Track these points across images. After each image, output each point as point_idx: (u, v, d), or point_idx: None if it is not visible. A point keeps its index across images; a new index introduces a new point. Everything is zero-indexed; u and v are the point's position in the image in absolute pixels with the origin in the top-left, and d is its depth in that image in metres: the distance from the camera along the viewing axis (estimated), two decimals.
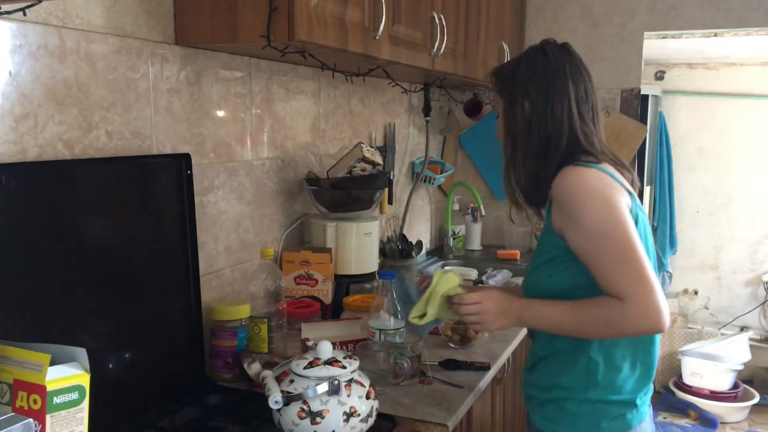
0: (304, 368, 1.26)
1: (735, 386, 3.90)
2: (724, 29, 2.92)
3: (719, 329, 4.35)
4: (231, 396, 1.50)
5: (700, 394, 3.87)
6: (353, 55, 1.65)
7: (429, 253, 3.09)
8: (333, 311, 1.91)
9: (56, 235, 1.21)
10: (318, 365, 1.26)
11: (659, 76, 4.41)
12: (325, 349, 1.30)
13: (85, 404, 0.90)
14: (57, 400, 0.87)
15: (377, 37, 1.68)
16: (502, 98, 1.41)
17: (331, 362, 1.27)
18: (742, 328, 4.28)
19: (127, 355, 1.37)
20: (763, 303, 4.30)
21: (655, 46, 3.35)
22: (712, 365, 3.85)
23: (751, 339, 4.09)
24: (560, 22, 3.09)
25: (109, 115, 1.36)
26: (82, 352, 0.89)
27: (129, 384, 1.36)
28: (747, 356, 3.93)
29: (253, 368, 1.54)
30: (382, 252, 2.41)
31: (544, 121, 1.34)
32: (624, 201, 1.27)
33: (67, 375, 0.88)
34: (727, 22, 2.86)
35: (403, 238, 2.48)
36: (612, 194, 1.26)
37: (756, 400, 3.86)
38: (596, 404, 1.34)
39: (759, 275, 4.31)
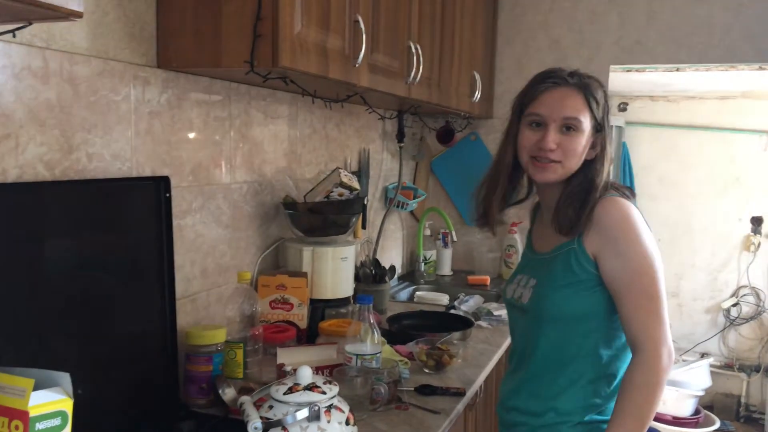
0: (284, 394, 1.26)
1: (696, 412, 3.97)
2: (685, 64, 3.04)
3: (681, 356, 4.44)
4: (205, 422, 1.48)
5: (662, 420, 3.93)
6: (333, 81, 1.67)
7: (401, 278, 3.10)
8: (308, 336, 1.91)
9: (35, 257, 1.19)
10: (298, 391, 1.26)
11: (622, 107, 4.54)
12: (305, 375, 1.30)
13: (68, 430, 0.89)
14: (39, 426, 0.85)
15: (357, 65, 1.71)
16: (592, 117, 1.36)
17: (310, 388, 1.27)
18: (703, 355, 4.38)
19: (100, 380, 1.34)
20: (723, 330, 4.42)
21: (620, 79, 3.46)
22: (674, 391, 3.92)
23: (711, 365, 4.19)
24: (529, 54, 3.18)
25: (90, 137, 1.35)
26: (65, 377, 0.88)
27: (102, 409, 1.33)
28: (707, 382, 4.02)
29: (228, 394, 1.53)
30: (356, 277, 2.41)
31: (608, 149, 1.40)
32: (655, 241, 1.35)
33: (50, 400, 0.87)
34: (689, 57, 2.98)
35: (376, 262, 2.49)
36: (650, 233, 1.34)
37: (717, 425, 3.94)
38: (590, 425, 1.37)
39: (718, 302, 4.43)
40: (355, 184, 1.96)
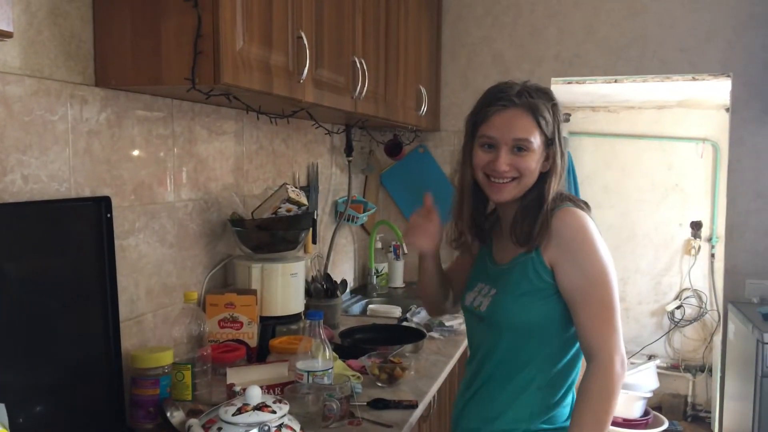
0: (233, 415, 1.24)
1: (645, 413, 4.07)
2: (623, 76, 3.14)
3: (629, 359, 4.53)
4: None
5: (613, 423, 3.98)
6: (278, 97, 1.67)
7: (353, 292, 3.09)
8: (259, 354, 1.88)
9: None
10: (247, 411, 1.25)
11: (566, 118, 4.66)
12: (254, 395, 1.28)
13: None
14: None
15: (301, 81, 1.71)
16: (541, 134, 1.38)
17: (260, 407, 1.26)
18: (650, 357, 4.49)
19: (41, 407, 1.30)
20: (668, 332, 4.55)
21: (562, 90, 3.55)
22: (623, 394, 4.01)
23: (658, 367, 4.31)
24: (474, 67, 3.23)
25: (26, 158, 1.31)
26: (0, 408, 0.84)
27: None
28: (655, 384, 4.12)
29: (177, 417, 1.50)
30: (307, 292, 2.40)
31: (563, 162, 1.41)
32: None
33: None
34: (626, 69, 3.08)
35: (327, 277, 2.48)
36: (604, 244, 1.36)
37: (665, 426, 4.05)
38: None
39: (663, 305, 4.56)
40: (303, 200, 1.95)
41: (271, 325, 1.93)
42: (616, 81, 3.26)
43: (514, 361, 1.41)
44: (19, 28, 1.27)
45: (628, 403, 4.01)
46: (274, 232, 1.91)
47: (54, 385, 1.34)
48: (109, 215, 1.48)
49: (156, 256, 1.71)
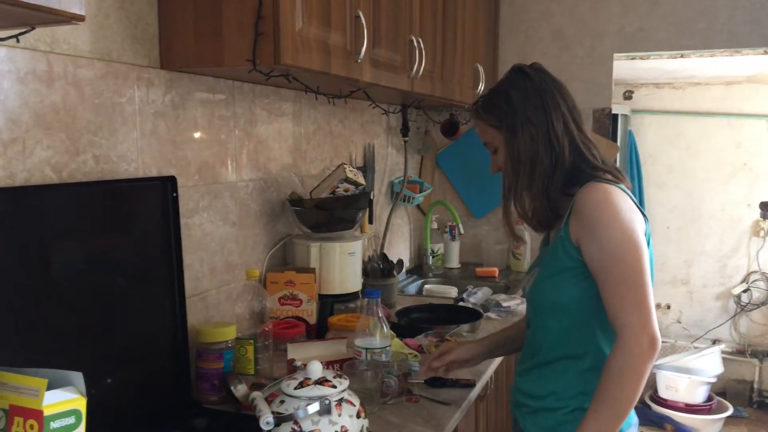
0: (295, 388, 1.27)
1: (709, 399, 3.97)
2: (689, 51, 3.02)
3: (692, 343, 4.44)
4: (218, 419, 1.49)
5: (675, 407, 3.93)
6: (336, 78, 1.68)
7: (409, 272, 3.11)
8: (318, 331, 1.92)
9: (43, 259, 1.21)
10: (308, 385, 1.27)
11: (628, 95, 4.52)
12: (316, 369, 1.31)
13: (82, 428, 0.90)
14: (54, 425, 0.86)
15: (359, 61, 1.71)
16: (500, 130, 1.41)
17: (321, 382, 1.28)
18: (714, 341, 4.37)
19: (111, 380, 1.36)
20: (734, 316, 4.40)
21: (624, 67, 3.45)
22: (686, 378, 3.92)
23: (723, 352, 4.18)
24: (532, 44, 3.17)
25: (96, 139, 1.36)
26: (78, 377, 0.89)
27: (114, 408, 1.35)
28: (719, 369, 4.01)
29: (240, 390, 1.54)
30: (364, 271, 2.42)
31: (549, 141, 1.36)
32: (640, 226, 1.31)
33: (64, 399, 0.88)
34: (693, 44, 2.96)
35: (383, 257, 2.50)
36: (633, 218, 1.29)
37: (730, 412, 3.94)
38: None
39: (728, 288, 4.41)
40: (361, 180, 1.97)
41: (329, 303, 1.96)
42: (682, 56, 3.14)
43: (561, 341, 1.39)
44: (88, 13, 1.32)
45: (691, 388, 3.91)
46: (332, 212, 1.93)
47: (124, 359, 1.40)
48: (175, 194, 1.52)
49: (219, 234, 1.76)
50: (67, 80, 1.29)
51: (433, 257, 3.16)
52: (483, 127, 1.45)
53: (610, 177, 1.35)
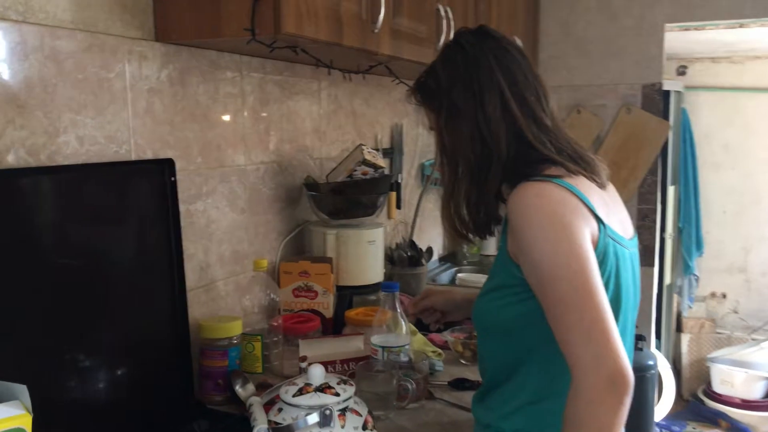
0: (293, 396, 1.14)
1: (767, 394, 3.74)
2: (750, 19, 2.76)
3: (750, 334, 4.17)
4: (221, 421, 1.38)
5: (730, 403, 3.71)
6: (349, 50, 1.53)
7: (442, 260, 2.95)
8: (335, 325, 1.78)
9: (18, 250, 1.09)
10: (308, 392, 1.14)
11: (681, 71, 4.24)
12: (317, 374, 1.17)
13: None
14: None
15: (376, 31, 1.56)
16: (436, 114, 1.18)
17: (323, 389, 1.14)
18: None
19: (107, 378, 1.25)
20: None
21: (677, 40, 3.20)
22: (743, 373, 3.69)
23: None
24: (576, 14, 2.94)
25: (80, 118, 1.24)
26: (23, 390, 0.77)
27: (110, 409, 1.25)
28: None
29: (247, 390, 1.43)
30: (390, 260, 2.28)
31: (478, 127, 1.11)
32: (586, 229, 1.01)
33: (6, 416, 0.76)
34: (754, 11, 2.70)
35: (412, 244, 2.35)
36: (574, 222, 1.00)
37: None
38: None
39: None
40: (380, 162, 1.81)
41: (347, 295, 1.82)
42: (741, 26, 2.87)
43: (502, 368, 1.16)
44: None
45: (749, 383, 3.68)
46: (350, 197, 1.79)
47: (121, 354, 1.29)
48: (173, 178, 1.40)
49: (226, 221, 1.64)
50: (44, 53, 1.17)
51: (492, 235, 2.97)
52: (425, 111, 1.22)
53: (554, 171, 1.07)
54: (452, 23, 1.93)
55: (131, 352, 1.32)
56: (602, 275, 1.01)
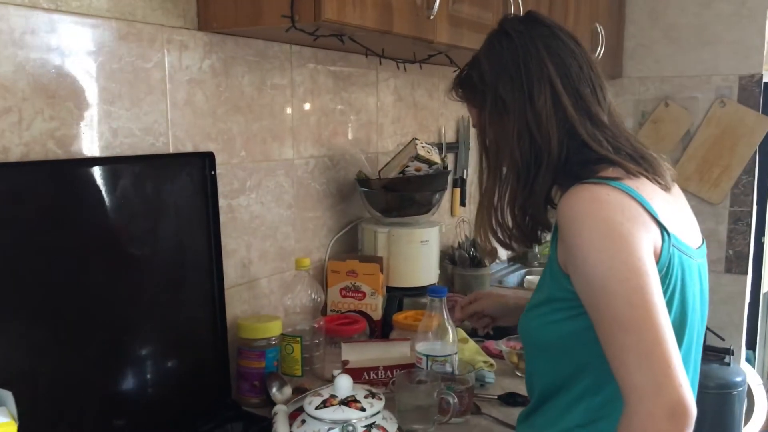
0: (316, 408, 1.07)
1: None
2: None
3: None
4: (255, 424, 1.33)
5: None
6: (401, 38, 1.43)
7: (511, 260, 2.80)
8: (382, 328, 1.70)
9: (47, 245, 1.07)
10: (332, 405, 1.07)
11: None
12: (343, 386, 1.09)
13: None
14: None
15: (432, 17, 1.45)
16: (473, 110, 1.10)
17: (347, 402, 1.07)
18: None
19: (141, 374, 1.23)
20: None
21: None
22: None
23: None
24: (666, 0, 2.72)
25: (114, 110, 1.21)
26: (8, 396, 0.73)
27: (144, 408, 1.22)
28: None
29: (284, 393, 1.38)
30: (452, 260, 2.18)
31: (526, 124, 1.00)
32: (648, 239, 0.90)
33: None
34: None
35: (475, 244, 2.23)
36: (633, 232, 0.89)
37: None
38: None
39: None
40: (435, 158, 1.71)
41: (397, 297, 1.73)
42: None
43: (549, 387, 1.07)
44: None
45: None
46: (402, 194, 1.70)
47: (156, 353, 1.26)
48: (213, 172, 1.36)
49: (271, 217, 1.58)
50: (76, 42, 1.14)
51: (540, 244, 2.82)
52: (468, 106, 1.13)
53: (612, 172, 0.96)
54: (521, 9, 1.80)
55: (168, 349, 1.29)
56: (665, 291, 0.92)
